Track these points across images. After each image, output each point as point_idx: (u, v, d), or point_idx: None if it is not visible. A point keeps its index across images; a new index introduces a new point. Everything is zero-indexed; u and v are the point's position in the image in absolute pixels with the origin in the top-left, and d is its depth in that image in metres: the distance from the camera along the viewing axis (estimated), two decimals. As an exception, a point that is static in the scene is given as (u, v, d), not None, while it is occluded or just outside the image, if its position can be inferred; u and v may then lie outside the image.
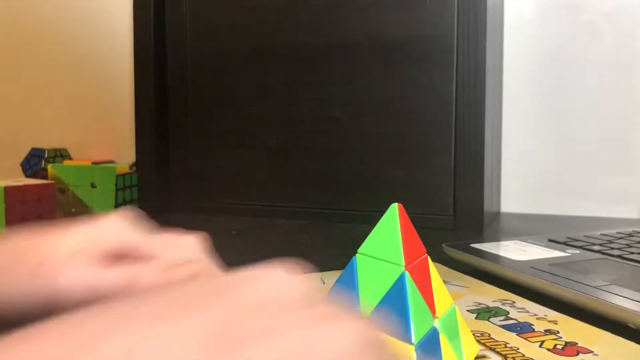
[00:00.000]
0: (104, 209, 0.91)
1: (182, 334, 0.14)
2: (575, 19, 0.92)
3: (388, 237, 0.30)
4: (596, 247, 0.55)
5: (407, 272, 0.28)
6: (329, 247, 0.70)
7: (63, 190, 0.92)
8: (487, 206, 0.82)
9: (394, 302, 0.29)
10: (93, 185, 0.92)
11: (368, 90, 0.85)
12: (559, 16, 0.93)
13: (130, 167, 1.04)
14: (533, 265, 0.49)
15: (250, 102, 0.92)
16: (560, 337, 0.36)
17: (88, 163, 1.04)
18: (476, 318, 0.39)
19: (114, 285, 0.23)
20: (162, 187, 0.98)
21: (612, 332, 0.37)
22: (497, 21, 0.90)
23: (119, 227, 0.25)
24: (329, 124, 0.87)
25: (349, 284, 0.33)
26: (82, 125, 1.24)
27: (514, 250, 0.55)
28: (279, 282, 0.18)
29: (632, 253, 0.53)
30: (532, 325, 0.38)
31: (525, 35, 0.95)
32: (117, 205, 0.93)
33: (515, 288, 0.46)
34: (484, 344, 0.34)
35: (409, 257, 0.29)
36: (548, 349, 0.34)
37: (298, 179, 0.89)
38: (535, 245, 0.57)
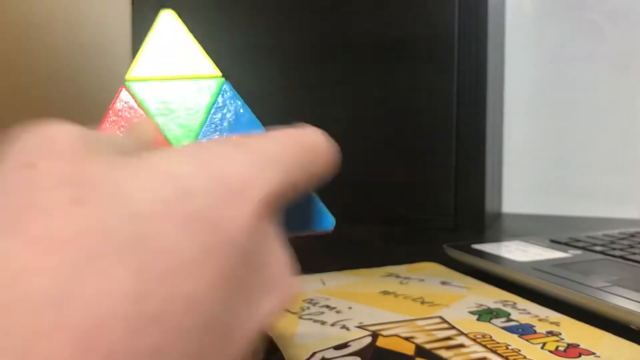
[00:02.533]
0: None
1: None
2: (578, 18, 0.92)
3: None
4: (598, 248, 0.55)
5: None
6: (329, 247, 0.70)
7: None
8: (489, 206, 0.82)
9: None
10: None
11: (368, 90, 0.85)
12: (561, 15, 0.93)
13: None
14: (535, 266, 0.49)
15: (249, 102, 0.92)
16: (562, 339, 0.35)
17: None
18: (477, 319, 0.39)
19: None
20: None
21: (615, 333, 0.36)
22: (499, 20, 0.90)
23: None
24: (329, 124, 0.87)
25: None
26: (79, 125, 1.24)
27: (516, 251, 0.55)
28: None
29: (635, 254, 0.52)
30: (534, 326, 0.37)
31: (527, 35, 0.95)
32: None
33: (517, 289, 0.46)
34: (485, 346, 0.34)
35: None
36: (550, 351, 0.33)
37: (298, 179, 0.89)
38: (537, 246, 0.57)
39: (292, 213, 0.24)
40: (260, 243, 0.15)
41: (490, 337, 0.36)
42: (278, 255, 0.16)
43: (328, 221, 0.26)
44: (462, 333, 0.36)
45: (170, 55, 0.23)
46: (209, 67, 0.24)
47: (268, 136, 0.18)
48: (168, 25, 0.24)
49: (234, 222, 0.14)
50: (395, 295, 0.45)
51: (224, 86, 0.24)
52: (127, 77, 0.23)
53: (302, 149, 0.19)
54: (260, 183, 0.15)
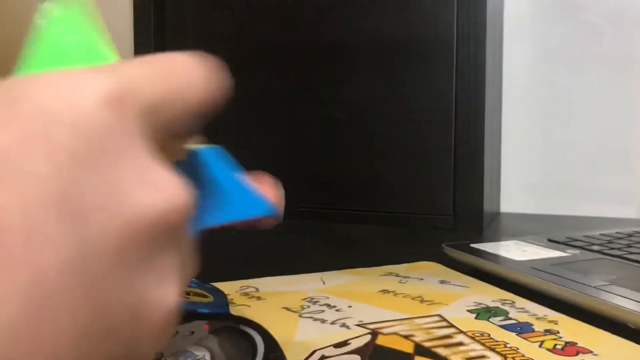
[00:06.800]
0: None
1: None
2: (575, 19, 0.92)
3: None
4: (596, 247, 0.55)
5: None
6: (329, 247, 0.70)
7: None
8: (487, 206, 0.82)
9: None
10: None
11: (368, 90, 0.85)
12: (558, 16, 0.93)
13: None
14: (533, 265, 0.49)
15: (249, 102, 0.92)
16: (560, 337, 0.36)
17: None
18: (476, 318, 0.39)
19: None
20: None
21: (612, 332, 0.36)
22: (497, 21, 0.90)
23: None
24: (329, 124, 0.87)
25: None
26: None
27: (514, 250, 0.55)
28: None
29: (632, 253, 0.53)
30: (532, 325, 0.38)
31: (525, 35, 0.95)
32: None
33: (515, 288, 0.46)
34: (483, 344, 0.34)
35: None
36: (548, 349, 0.34)
37: (298, 178, 0.89)
38: (535, 245, 0.57)
39: (214, 201, 0.22)
40: (113, 130, 0.14)
41: (489, 335, 0.36)
42: (151, 157, 0.15)
43: (261, 207, 0.23)
44: (460, 331, 0.37)
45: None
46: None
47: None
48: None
49: (65, 110, 0.13)
50: (395, 294, 0.45)
51: None
52: None
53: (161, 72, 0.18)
54: (97, 81, 0.14)
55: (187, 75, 0.18)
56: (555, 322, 0.38)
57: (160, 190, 0.14)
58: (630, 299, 0.39)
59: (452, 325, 0.38)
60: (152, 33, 0.96)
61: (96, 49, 0.20)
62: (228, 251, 0.66)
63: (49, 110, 0.13)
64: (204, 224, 0.21)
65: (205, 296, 0.37)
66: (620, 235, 0.61)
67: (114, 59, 0.20)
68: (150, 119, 0.16)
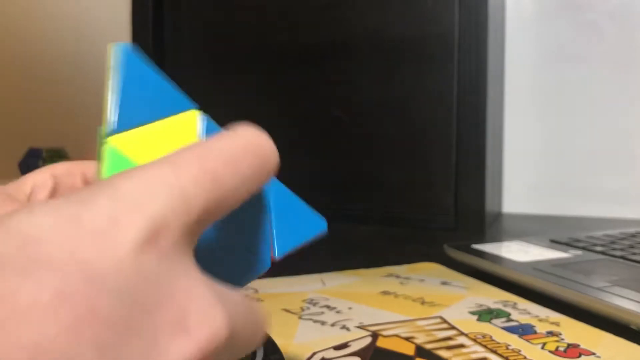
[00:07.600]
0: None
1: None
2: (577, 19, 0.92)
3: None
4: (599, 248, 0.55)
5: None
6: (329, 247, 0.70)
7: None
8: (489, 206, 0.82)
9: None
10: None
11: (368, 90, 0.85)
12: (560, 15, 0.93)
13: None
14: (535, 266, 0.48)
15: (249, 102, 0.92)
16: (563, 339, 0.35)
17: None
18: (478, 320, 0.39)
19: None
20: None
21: (615, 333, 0.36)
22: (499, 20, 0.90)
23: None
24: (329, 124, 0.87)
25: None
26: (80, 125, 1.24)
27: (516, 251, 0.54)
28: None
29: (635, 254, 0.52)
30: (534, 327, 0.37)
31: (527, 35, 0.95)
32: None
33: (517, 289, 0.46)
34: (485, 346, 0.34)
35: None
36: (550, 351, 0.33)
37: (298, 178, 0.89)
38: (537, 246, 0.57)
39: (280, 228, 0.22)
40: (150, 280, 0.14)
41: (491, 337, 0.36)
42: (189, 292, 0.14)
43: (319, 224, 0.24)
44: (462, 333, 0.36)
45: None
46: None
47: (169, 160, 0.16)
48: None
49: (101, 262, 0.13)
50: (396, 295, 0.45)
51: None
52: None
53: (229, 157, 0.17)
54: (131, 220, 0.14)
55: (248, 167, 0.17)
56: (558, 324, 0.38)
57: (198, 336, 0.14)
58: (633, 300, 0.39)
59: (453, 327, 0.37)
60: (151, 32, 0.96)
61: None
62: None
63: (72, 270, 0.13)
64: (280, 250, 0.22)
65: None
66: (623, 236, 0.61)
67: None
68: (195, 232, 0.15)
